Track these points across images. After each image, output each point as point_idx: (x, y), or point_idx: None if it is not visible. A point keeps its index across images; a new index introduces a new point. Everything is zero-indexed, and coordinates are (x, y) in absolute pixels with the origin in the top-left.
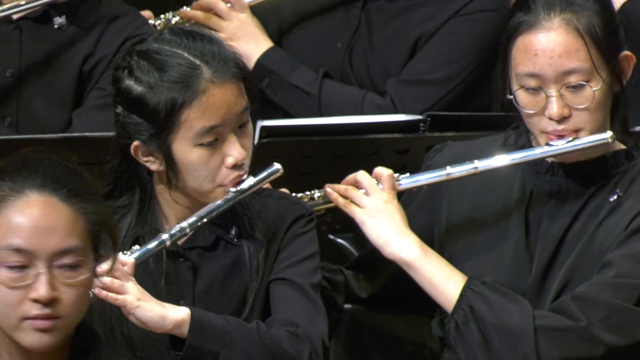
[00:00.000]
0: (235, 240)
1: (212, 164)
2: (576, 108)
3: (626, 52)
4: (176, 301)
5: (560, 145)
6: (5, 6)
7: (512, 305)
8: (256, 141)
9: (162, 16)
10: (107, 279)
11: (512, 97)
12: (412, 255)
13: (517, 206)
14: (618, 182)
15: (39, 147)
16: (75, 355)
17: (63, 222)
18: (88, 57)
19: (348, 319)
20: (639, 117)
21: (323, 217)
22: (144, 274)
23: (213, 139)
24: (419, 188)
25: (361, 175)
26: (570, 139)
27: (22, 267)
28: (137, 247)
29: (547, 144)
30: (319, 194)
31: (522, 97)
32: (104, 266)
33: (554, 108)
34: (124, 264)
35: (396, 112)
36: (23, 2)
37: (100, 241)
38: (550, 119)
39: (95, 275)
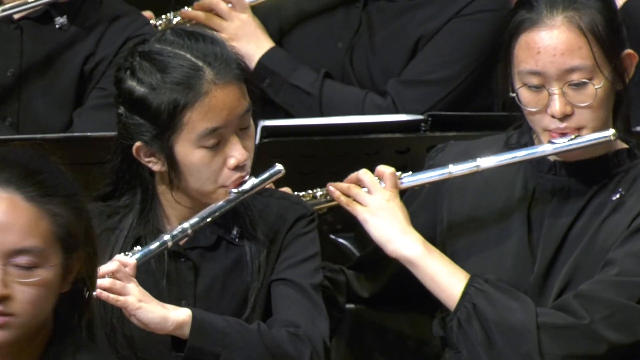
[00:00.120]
0: (237, 240)
1: (214, 165)
2: (579, 106)
3: (629, 51)
4: (177, 301)
5: (563, 143)
6: (7, 6)
7: (515, 302)
8: (257, 141)
9: (163, 16)
10: (108, 281)
11: (514, 95)
12: (414, 253)
13: (520, 204)
14: (620, 181)
15: (37, 146)
16: (49, 356)
17: (22, 221)
18: (89, 57)
19: (350, 319)
20: None
21: (324, 217)
22: (145, 274)
23: (215, 141)
24: (421, 186)
25: (363, 173)
26: (573, 136)
27: None
28: (138, 248)
29: (550, 142)
30: (321, 193)
31: (525, 95)
32: (107, 268)
33: (557, 106)
34: (125, 265)
35: (397, 112)
36: (24, 2)
37: (73, 243)
38: (553, 116)
39: (65, 275)
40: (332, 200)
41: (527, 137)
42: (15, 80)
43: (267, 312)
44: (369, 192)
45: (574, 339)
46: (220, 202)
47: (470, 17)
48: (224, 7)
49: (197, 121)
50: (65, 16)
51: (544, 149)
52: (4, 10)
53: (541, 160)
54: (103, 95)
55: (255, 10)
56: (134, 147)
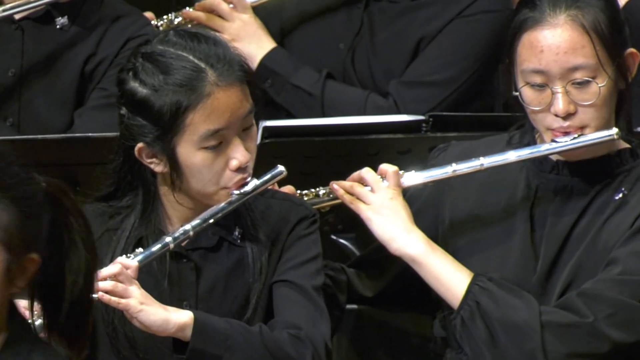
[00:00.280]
0: (239, 241)
1: (216, 166)
2: (582, 104)
3: (631, 50)
4: (179, 302)
5: (566, 142)
6: (7, 6)
7: (519, 301)
8: (258, 141)
9: (164, 17)
10: (110, 283)
11: (517, 94)
12: (418, 251)
13: (522, 203)
14: (623, 181)
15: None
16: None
17: None
18: (90, 57)
19: (352, 318)
20: None
21: (326, 217)
22: (147, 275)
23: (217, 142)
24: (424, 186)
25: (366, 172)
26: (576, 135)
27: None
28: (140, 250)
29: (553, 141)
30: (323, 191)
31: (528, 94)
32: (108, 270)
33: (560, 104)
34: (127, 268)
35: (399, 113)
36: (25, 2)
37: (21, 246)
38: (556, 115)
39: (11, 278)
40: (335, 198)
41: (530, 137)
42: (16, 81)
43: (269, 313)
44: (372, 190)
45: (578, 338)
46: (222, 204)
47: (471, 18)
48: (225, 7)
49: (199, 123)
50: (66, 16)
51: (547, 147)
52: (4, 10)
53: (544, 160)
54: (104, 95)
55: (257, 10)
56: (136, 148)
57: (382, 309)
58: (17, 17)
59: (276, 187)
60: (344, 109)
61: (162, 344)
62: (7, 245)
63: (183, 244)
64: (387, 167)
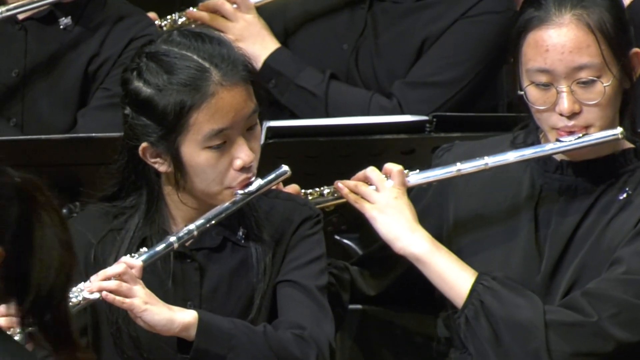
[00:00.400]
0: (243, 241)
1: (220, 166)
2: (587, 104)
3: (636, 49)
4: (183, 302)
5: (571, 142)
6: (11, 6)
7: (523, 300)
8: (262, 141)
9: (167, 17)
10: (114, 283)
11: (522, 93)
12: (422, 250)
13: (527, 203)
14: (627, 181)
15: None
16: None
17: None
18: (93, 57)
19: (356, 317)
20: None
21: (329, 217)
22: (151, 275)
23: (221, 142)
24: (428, 186)
25: (371, 171)
26: (581, 135)
27: None
28: (144, 249)
29: (557, 140)
30: (328, 190)
31: (533, 93)
32: (113, 270)
33: (565, 104)
34: (131, 267)
35: (402, 113)
36: (28, 2)
37: None
38: (561, 114)
39: None
40: (340, 197)
41: (534, 137)
42: (19, 81)
43: (273, 313)
44: (376, 189)
45: (582, 337)
46: (226, 204)
47: (475, 18)
48: (229, 7)
49: (203, 122)
50: (69, 17)
51: (552, 147)
52: (8, 10)
53: (548, 160)
54: (107, 95)
55: (260, 11)
56: (140, 148)
57: (386, 309)
58: (20, 17)
59: (281, 186)
60: (347, 109)
61: (166, 343)
62: None
63: (187, 244)
64: (392, 167)
